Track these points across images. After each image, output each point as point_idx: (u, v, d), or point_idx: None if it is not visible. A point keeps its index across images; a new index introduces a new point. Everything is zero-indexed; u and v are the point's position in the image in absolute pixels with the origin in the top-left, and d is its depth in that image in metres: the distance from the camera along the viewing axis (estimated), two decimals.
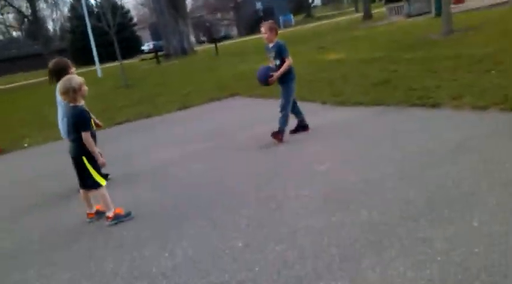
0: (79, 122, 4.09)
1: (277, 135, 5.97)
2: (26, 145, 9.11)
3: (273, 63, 6.01)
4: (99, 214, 4.39)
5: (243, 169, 5.20)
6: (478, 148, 4.41)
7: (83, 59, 38.80)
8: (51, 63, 5.04)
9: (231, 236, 3.45)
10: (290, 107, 6.06)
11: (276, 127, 5.97)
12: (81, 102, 4.15)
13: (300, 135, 6.16)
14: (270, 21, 6.21)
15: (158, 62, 28.26)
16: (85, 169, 4.15)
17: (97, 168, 4.18)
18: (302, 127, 6.32)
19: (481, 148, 4.39)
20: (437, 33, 14.18)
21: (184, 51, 32.01)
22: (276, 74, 5.88)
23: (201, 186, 4.84)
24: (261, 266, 2.95)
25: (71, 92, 4.04)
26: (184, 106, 10.59)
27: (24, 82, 34.59)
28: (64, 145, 4.69)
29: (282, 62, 5.91)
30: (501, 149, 4.26)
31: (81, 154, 4.13)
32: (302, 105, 6.42)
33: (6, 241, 4.33)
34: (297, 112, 6.28)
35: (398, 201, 3.52)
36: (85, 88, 4.14)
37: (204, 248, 3.36)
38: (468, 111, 5.70)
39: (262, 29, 6.02)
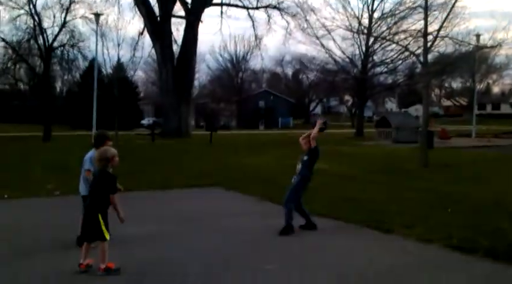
0: (108, 186, 4.93)
1: (285, 231, 6.47)
2: (6, 196, 9.45)
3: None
4: (89, 266, 4.96)
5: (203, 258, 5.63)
6: (404, 275, 4.99)
7: (82, 122, 40.01)
8: (96, 132, 5.90)
9: None
10: (294, 204, 6.62)
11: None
12: (110, 170, 5.03)
13: (256, 234, 6.65)
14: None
15: (153, 139, 29.14)
16: (97, 224, 4.85)
17: (106, 225, 4.90)
18: (309, 225, 6.79)
19: (406, 276, 4.99)
20: (414, 164, 15.10)
21: (180, 134, 32.97)
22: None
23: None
24: None
25: (105, 161, 4.99)
26: (164, 187, 11.05)
27: (16, 134, 35.14)
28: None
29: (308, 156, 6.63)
30: (422, 281, 4.84)
31: (97, 211, 4.88)
32: (272, 207, 6.93)
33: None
34: (302, 212, 6.77)
35: None
36: (117, 159, 5.08)
37: None
38: (414, 241, 6.26)
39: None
